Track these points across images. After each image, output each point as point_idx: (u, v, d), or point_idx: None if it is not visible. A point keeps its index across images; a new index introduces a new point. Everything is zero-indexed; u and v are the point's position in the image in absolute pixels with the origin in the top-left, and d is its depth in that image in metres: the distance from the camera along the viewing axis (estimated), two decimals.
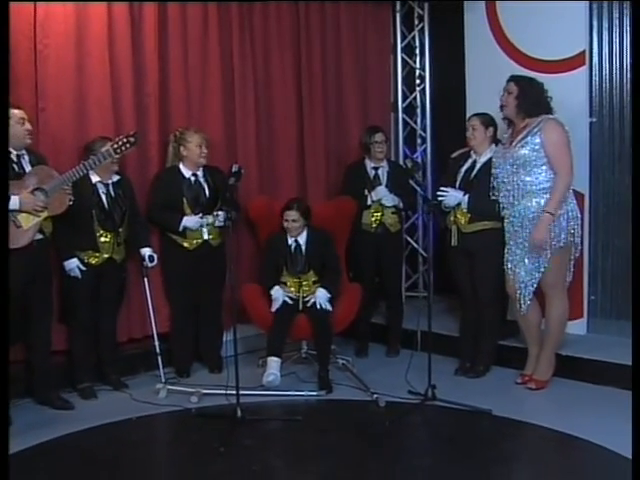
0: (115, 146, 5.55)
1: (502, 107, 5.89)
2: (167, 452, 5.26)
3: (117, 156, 5.67)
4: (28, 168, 5.44)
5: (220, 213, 6.25)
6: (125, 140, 5.59)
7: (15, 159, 5.40)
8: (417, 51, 8.15)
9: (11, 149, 5.35)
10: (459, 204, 6.05)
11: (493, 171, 5.93)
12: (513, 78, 5.89)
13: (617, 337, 6.23)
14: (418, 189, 6.08)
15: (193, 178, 6.39)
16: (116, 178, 6.02)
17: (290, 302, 6.36)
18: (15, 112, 5.34)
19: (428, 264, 7.83)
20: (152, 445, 5.34)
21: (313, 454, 4.88)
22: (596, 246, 6.66)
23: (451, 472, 4.55)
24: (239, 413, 5.27)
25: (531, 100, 5.76)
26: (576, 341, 6.39)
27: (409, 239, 8.11)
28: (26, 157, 5.47)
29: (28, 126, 5.41)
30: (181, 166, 6.39)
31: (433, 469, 4.67)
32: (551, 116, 5.73)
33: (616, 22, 6.42)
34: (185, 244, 6.38)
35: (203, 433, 5.19)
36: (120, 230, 6.00)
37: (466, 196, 6.02)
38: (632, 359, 4.19)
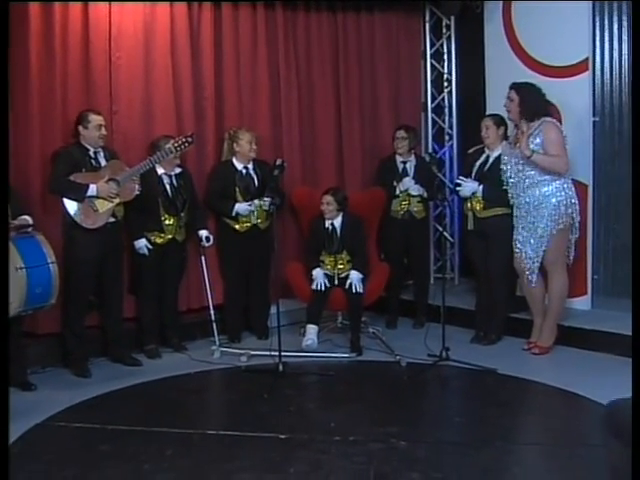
0: (176, 144, 6.50)
1: (508, 112, 6.69)
2: (220, 397, 6.32)
3: (177, 153, 6.62)
4: (103, 162, 6.43)
5: (266, 199, 7.08)
6: (184, 139, 6.55)
7: (93, 155, 6.41)
8: (445, 57, 8.84)
9: (89, 147, 6.37)
10: (474, 193, 6.88)
11: (502, 167, 6.73)
12: (514, 86, 6.61)
13: (618, 312, 6.77)
14: (441, 178, 6.93)
15: (244, 170, 7.26)
16: (178, 170, 6.91)
17: (327, 284, 7.15)
18: (95, 117, 6.35)
19: (454, 248, 8.75)
20: (207, 392, 6.37)
21: (342, 400, 5.81)
22: (599, 230, 7.39)
23: (455, 414, 5.52)
24: (281, 368, 6.18)
25: (531, 105, 6.51)
26: (579, 315, 7.15)
27: (437, 226, 8.84)
28: (102, 153, 6.47)
29: (103, 131, 6.39)
30: (234, 160, 7.26)
31: (440, 412, 5.69)
32: (548, 119, 6.51)
33: (616, 32, 7.19)
34: (237, 227, 7.24)
35: (250, 384, 6.14)
36: (182, 214, 6.90)
37: (481, 186, 6.84)
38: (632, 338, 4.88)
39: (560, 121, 6.81)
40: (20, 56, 6.37)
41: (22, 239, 5.69)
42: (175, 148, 6.51)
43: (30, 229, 5.84)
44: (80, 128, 6.36)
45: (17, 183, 6.19)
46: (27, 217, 5.89)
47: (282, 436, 5.00)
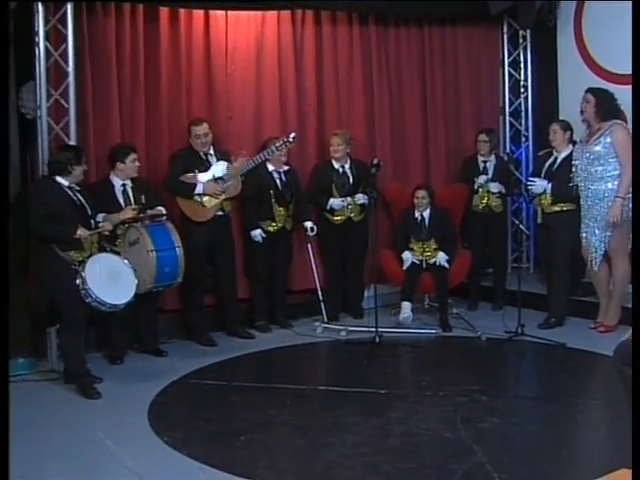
0: (277, 144, 7.37)
1: (582, 112, 7.45)
2: (325, 363, 7.38)
3: (277, 153, 7.48)
4: (214, 162, 7.36)
5: (360, 195, 8.02)
6: (284, 140, 7.38)
7: (204, 157, 7.35)
8: (521, 65, 9.52)
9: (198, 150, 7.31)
10: (545, 190, 7.62)
11: (574, 162, 7.48)
12: (590, 90, 7.41)
13: None
14: (518, 176, 7.80)
15: (341, 169, 8.14)
16: (286, 168, 7.81)
17: (417, 262, 7.97)
18: (193, 128, 7.27)
19: (529, 240, 9.52)
20: (314, 359, 7.39)
21: (431, 365, 6.87)
22: None
23: (527, 376, 6.61)
24: (377, 339, 7.10)
25: (604, 108, 7.28)
26: None
27: (514, 219, 9.56)
28: (212, 155, 7.38)
29: (203, 139, 7.26)
30: (332, 160, 8.15)
31: (515, 375, 6.79)
32: (618, 121, 7.27)
33: None
34: (333, 219, 8.14)
35: (351, 353, 7.12)
36: (290, 206, 7.79)
37: (550, 184, 7.60)
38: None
39: None
40: (153, 71, 7.46)
41: (154, 226, 6.68)
42: (276, 148, 7.37)
43: (164, 218, 6.82)
44: (189, 136, 7.34)
45: (150, 179, 7.26)
46: (161, 208, 6.88)
47: (382, 391, 5.97)
